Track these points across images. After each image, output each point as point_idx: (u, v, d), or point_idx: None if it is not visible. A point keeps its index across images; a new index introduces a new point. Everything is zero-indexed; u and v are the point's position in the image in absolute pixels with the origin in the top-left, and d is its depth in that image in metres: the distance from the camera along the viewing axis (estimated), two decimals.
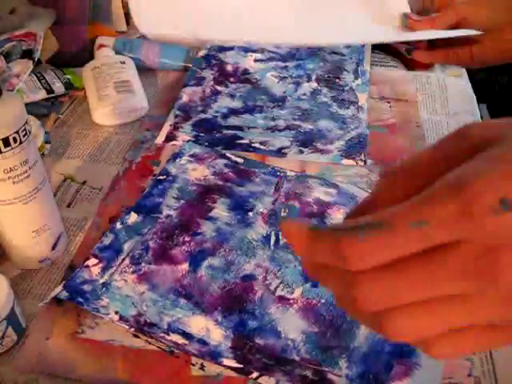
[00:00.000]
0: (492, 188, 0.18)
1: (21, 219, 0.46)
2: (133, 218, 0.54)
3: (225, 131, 0.67)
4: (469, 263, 0.19)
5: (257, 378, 0.41)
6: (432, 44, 0.69)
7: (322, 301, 0.46)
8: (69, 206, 0.57)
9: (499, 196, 0.18)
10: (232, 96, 0.72)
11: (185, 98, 0.72)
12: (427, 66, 0.80)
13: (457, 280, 0.20)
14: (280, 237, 0.52)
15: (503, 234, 0.19)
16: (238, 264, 0.49)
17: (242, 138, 0.65)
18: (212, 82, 0.74)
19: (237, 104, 0.71)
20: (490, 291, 0.20)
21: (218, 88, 0.74)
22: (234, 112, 0.70)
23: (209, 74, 0.76)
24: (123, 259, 0.49)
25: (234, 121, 0.68)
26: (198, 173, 0.59)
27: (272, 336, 0.43)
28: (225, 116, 0.69)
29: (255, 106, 0.71)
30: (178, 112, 0.69)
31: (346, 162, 0.62)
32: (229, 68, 0.76)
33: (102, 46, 0.76)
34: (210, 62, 0.77)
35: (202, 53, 0.79)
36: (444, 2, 0.61)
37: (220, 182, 0.58)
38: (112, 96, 0.68)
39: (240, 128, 0.67)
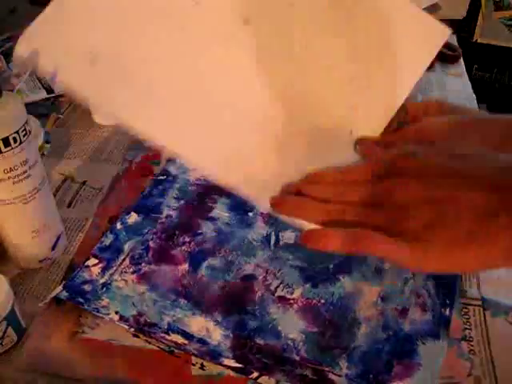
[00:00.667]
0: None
1: (21, 219, 0.46)
2: (133, 218, 0.54)
3: None
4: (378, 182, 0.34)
5: (257, 377, 0.41)
6: None
7: (322, 301, 0.46)
8: (69, 206, 0.57)
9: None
10: None
11: None
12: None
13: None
14: (280, 237, 0.52)
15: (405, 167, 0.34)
16: (238, 264, 0.49)
17: None
18: None
19: None
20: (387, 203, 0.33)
21: None
22: None
23: None
24: (123, 259, 0.49)
25: None
26: (198, 173, 0.59)
27: (272, 336, 0.43)
28: None
29: None
30: None
31: None
32: None
33: None
34: None
35: None
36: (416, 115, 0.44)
37: None
38: None
39: None
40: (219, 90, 0.40)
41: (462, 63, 0.82)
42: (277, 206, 0.37)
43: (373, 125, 0.42)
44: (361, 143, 0.43)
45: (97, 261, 0.49)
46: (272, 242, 0.51)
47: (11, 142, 0.42)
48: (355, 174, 0.36)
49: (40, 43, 0.36)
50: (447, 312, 0.45)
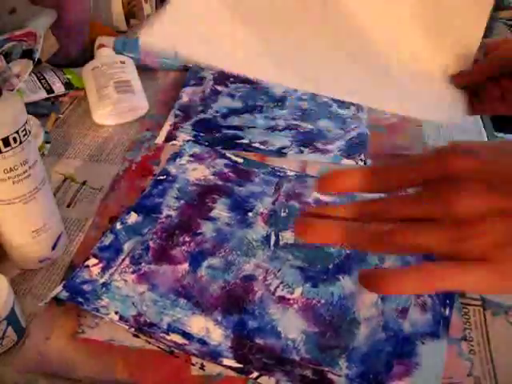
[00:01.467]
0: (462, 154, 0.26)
1: (21, 219, 0.46)
2: (133, 218, 0.54)
3: (225, 131, 0.67)
4: (436, 192, 0.26)
5: (257, 377, 0.41)
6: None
7: (322, 301, 0.46)
8: (69, 206, 0.57)
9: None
10: (232, 96, 0.72)
11: (185, 98, 0.72)
12: None
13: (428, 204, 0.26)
14: (280, 237, 0.52)
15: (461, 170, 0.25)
16: (238, 264, 0.49)
17: (241, 138, 0.65)
18: (212, 82, 0.74)
19: (237, 104, 0.71)
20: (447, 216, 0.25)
21: (218, 88, 0.74)
22: (233, 112, 0.70)
23: (209, 74, 0.76)
24: (123, 259, 0.49)
25: (233, 121, 0.68)
26: (197, 173, 0.59)
27: (272, 336, 0.43)
28: (225, 116, 0.69)
29: (255, 105, 0.71)
30: (177, 112, 0.69)
31: (345, 162, 0.62)
32: None
33: (101, 45, 0.76)
34: None
35: None
36: (493, 47, 0.47)
37: (220, 182, 0.58)
38: (112, 96, 0.68)
39: (240, 128, 0.67)
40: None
41: None
42: (302, 235, 0.28)
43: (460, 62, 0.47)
44: (458, 76, 0.46)
45: (97, 261, 0.49)
46: (272, 242, 0.51)
47: (11, 141, 0.42)
48: (389, 181, 0.28)
49: (160, 31, 0.42)
50: (447, 312, 0.45)
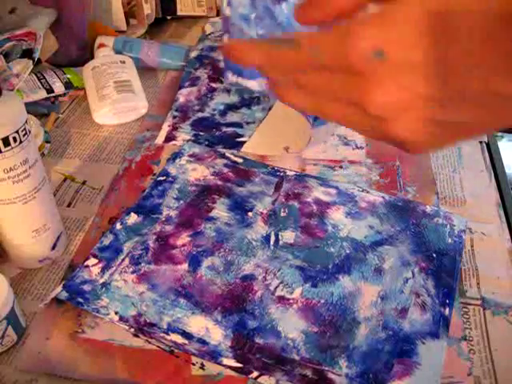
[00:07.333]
0: (369, 37, 0.24)
1: (21, 219, 0.46)
2: (132, 218, 0.54)
3: (224, 129, 0.67)
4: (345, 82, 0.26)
5: (257, 377, 0.41)
6: None
7: (322, 301, 0.46)
8: (69, 205, 0.57)
9: (374, 46, 0.24)
10: (228, 91, 0.72)
11: (181, 99, 0.72)
12: None
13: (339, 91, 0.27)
14: (280, 237, 0.52)
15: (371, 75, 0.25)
16: (238, 264, 0.49)
17: (241, 136, 0.65)
18: (207, 80, 0.74)
19: (233, 98, 0.71)
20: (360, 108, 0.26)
21: (213, 85, 0.74)
22: (231, 108, 0.70)
23: (203, 73, 0.76)
24: (123, 259, 0.49)
25: (232, 117, 0.68)
26: (197, 173, 0.59)
27: (272, 335, 0.43)
28: (222, 113, 0.69)
29: (252, 98, 0.71)
30: (175, 113, 0.69)
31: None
32: (222, 65, 0.76)
33: (101, 45, 0.76)
34: (202, 61, 0.78)
35: (194, 54, 0.79)
36: None
37: (220, 182, 0.58)
38: (112, 96, 0.68)
39: (239, 124, 0.67)
40: None
41: None
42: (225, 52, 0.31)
43: None
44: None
45: (96, 261, 0.49)
46: (272, 241, 0.51)
47: (11, 141, 0.42)
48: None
49: None
50: (447, 312, 0.45)
